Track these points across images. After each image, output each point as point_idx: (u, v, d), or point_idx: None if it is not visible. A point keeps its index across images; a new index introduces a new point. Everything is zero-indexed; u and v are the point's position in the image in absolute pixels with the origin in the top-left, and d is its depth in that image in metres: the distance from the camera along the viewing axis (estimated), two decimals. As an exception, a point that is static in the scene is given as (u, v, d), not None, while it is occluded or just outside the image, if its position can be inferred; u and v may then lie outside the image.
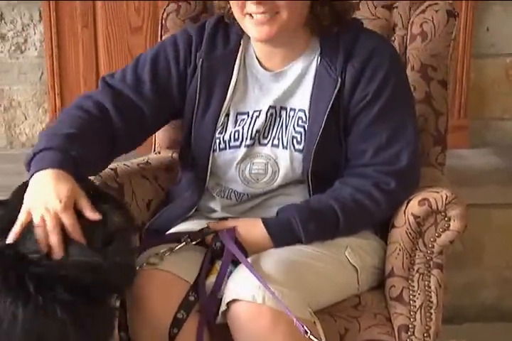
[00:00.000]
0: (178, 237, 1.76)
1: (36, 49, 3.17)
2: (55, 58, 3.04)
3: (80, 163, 1.59)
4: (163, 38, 2.11)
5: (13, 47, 3.17)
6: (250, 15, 1.72)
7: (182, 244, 1.73)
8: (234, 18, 1.79)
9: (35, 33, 3.16)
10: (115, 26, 3.07)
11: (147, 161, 2.08)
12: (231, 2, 1.75)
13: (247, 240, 1.73)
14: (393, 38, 2.10)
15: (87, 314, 1.43)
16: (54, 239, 1.46)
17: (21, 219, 1.49)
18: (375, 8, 2.10)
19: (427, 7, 2.08)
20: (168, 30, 2.12)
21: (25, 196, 1.52)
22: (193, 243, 1.74)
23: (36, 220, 1.48)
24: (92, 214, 1.49)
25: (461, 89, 3.01)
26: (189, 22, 2.11)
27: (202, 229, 1.76)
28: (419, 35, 2.06)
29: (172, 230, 1.85)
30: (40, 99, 3.21)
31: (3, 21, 3.13)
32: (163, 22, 2.14)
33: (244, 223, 1.76)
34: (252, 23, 1.72)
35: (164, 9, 2.14)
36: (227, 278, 1.67)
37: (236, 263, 1.68)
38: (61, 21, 3.03)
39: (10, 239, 1.46)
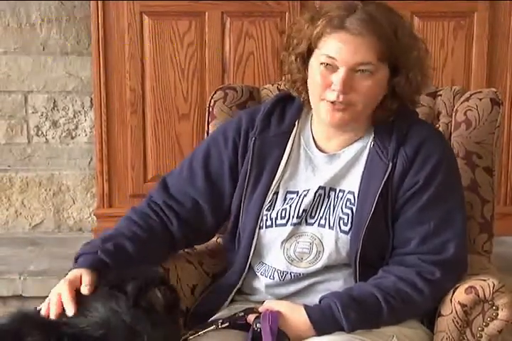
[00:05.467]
0: (214, 322, 1.75)
1: (86, 135, 3.25)
2: (104, 144, 3.09)
3: (108, 260, 1.72)
4: (210, 125, 2.14)
5: (64, 134, 3.25)
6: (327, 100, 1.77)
7: (211, 328, 1.72)
8: (302, 92, 1.84)
9: (85, 120, 3.24)
10: (163, 113, 3.13)
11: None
12: (310, 86, 1.80)
13: (289, 325, 1.71)
14: (437, 125, 2.12)
15: None
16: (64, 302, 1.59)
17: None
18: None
19: (471, 95, 2.10)
20: (215, 118, 2.15)
21: None
22: (223, 326, 1.73)
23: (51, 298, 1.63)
24: (83, 288, 1.62)
25: (506, 176, 3.00)
26: (236, 109, 2.14)
27: (235, 313, 1.76)
28: (463, 122, 2.07)
29: (216, 315, 1.85)
30: (88, 183, 3.26)
31: (55, 109, 3.23)
32: (210, 109, 2.16)
33: (287, 308, 1.75)
34: (327, 107, 1.77)
35: (211, 97, 2.18)
36: None
37: None
38: (111, 108, 3.10)
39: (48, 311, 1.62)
